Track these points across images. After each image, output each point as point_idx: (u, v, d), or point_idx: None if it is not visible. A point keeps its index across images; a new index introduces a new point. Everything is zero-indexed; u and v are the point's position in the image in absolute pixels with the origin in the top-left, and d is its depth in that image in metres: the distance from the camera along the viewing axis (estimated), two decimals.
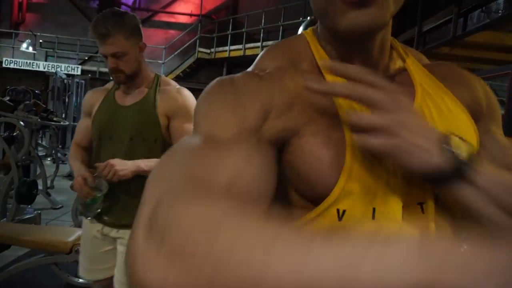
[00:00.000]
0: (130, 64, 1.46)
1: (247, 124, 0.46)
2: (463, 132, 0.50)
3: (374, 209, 0.47)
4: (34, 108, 4.09)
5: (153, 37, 13.07)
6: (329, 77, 0.51)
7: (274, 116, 0.47)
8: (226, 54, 11.81)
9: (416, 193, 0.49)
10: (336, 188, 0.46)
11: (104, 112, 1.54)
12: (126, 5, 13.05)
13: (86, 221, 1.58)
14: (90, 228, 1.56)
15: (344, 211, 0.46)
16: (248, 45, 11.25)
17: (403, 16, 5.38)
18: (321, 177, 0.47)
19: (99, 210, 1.49)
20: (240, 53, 11.46)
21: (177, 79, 12.26)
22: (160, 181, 0.38)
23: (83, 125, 1.63)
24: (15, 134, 3.69)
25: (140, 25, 1.52)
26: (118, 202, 1.51)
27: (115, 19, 1.42)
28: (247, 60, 11.54)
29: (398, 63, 0.57)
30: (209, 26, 12.66)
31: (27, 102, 4.40)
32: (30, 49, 12.71)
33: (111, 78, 1.53)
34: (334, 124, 0.48)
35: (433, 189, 0.48)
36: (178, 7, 13.43)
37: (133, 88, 1.53)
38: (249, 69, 0.54)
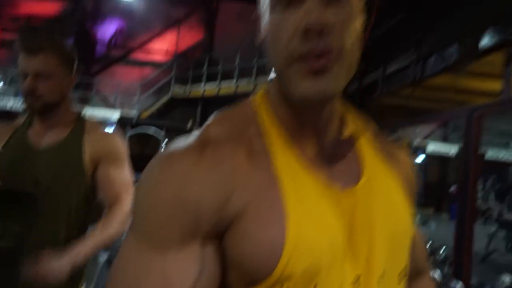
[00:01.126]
0: (52, 90, 1.21)
1: (188, 227, 0.44)
2: (401, 221, 0.54)
3: (315, 286, 0.46)
4: None
5: (128, 75, 13.18)
6: (273, 144, 0.51)
7: (215, 208, 0.45)
8: (200, 93, 12.00)
9: (358, 268, 0.49)
10: (276, 271, 0.44)
11: (10, 154, 1.24)
12: (101, 42, 13.20)
13: None
14: None
15: None
16: (223, 84, 11.50)
17: (369, 60, 5.74)
18: (261, 262, 0.44)
19: None
20: (215, 91, 11.68)
21: (152, 117, 12.29)
22: None
23: None
24: None
25: (76, 59, 1.30)
26: None
27: (52, 37, 1.23)
28: (221, 99, 11.78)
29: (348, 131, 0.58)
30: (184, 65, 12.91)
31: None
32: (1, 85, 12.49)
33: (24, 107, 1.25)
34: (275, 199, 0.47)
35: (377, 264, 0.50)
36: (154, 46, 13.68)
37: (52, 126, 1.27)
38: (194, 138, 0.50)
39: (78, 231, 1.26)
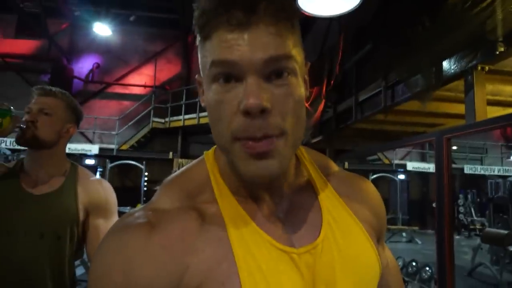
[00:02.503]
0: (48, 128, 1.26)
1: None
2: (365, 269, 0.53)
3: None
4: None
5: (106, 108, 13.14)
6: (226, 212, 0.51)
7: None
8: (180, 123, 12.05)
9: None
10: None
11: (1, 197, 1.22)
12: (78, 78, 13.18)
13: None
14: None
15: None
16: (202, 114, 11.60)
17: (342, 88, 5.96)
18: None
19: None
20: (195, 121, 11.76)
21: (132, 149, 12.23)
22: None
23: None
24: None
25: (81, 116, 1.41)
26: None
27: (65, 92, 1.34)
28: (201, 128, 11.83)
29: (304, 179, 0.58)
30: (163, 97, 12.98)
31: None
32: None
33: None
34: (229, 273, 0.46)
35: None
36: (131, 79, 13.73)
37: (46, 175, 1.28)
38: (144, 213, 0.49)
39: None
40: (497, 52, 3.01)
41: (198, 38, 0.50)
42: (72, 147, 10.49)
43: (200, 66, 0.52)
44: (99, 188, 1.34)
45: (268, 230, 0.51)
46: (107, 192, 1.36)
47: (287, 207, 0.55)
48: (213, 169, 0.55)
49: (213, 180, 0.54)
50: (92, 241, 1.29)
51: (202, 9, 0.47)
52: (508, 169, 13.75)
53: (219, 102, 0.46)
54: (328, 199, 0.57)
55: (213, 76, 0.47)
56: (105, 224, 1.30)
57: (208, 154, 0.58)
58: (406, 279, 5.01)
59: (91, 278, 0.46)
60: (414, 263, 5.20)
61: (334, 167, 0.65)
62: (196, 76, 0.55)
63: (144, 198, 11.03)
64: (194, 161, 0.58)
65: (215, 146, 0.58)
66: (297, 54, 0.49)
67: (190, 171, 0.56)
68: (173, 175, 0.57)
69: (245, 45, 0.44)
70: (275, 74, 0.46)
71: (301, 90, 0.49)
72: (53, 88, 1.32)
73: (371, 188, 0.65)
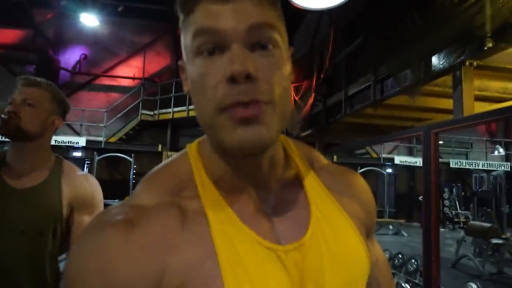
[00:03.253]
0: (33, 118, 1.21)
1: None
2: (354, 265, 0.52)
3: None
4: None
5: (94, 101, 12.96)
6: (209, 208, 0.49)
7: None
8: (170, 116, 11.96)
9: None
10: None
11: None
12: (65, 69, 12.95)
13: None
14: None
15: None
16: (191, 107, 11.53)
17: (332, 82, 5.97)
18: None
19: None
20: (184, 114, 11.68)
21: (121, 141, 12.11)
22: None
23: None
24: None
25: (67, 108, 1.36)
26: None
27: (50, 83, 1.30)
28: (191, 121, 11.75)
29: (293, 173, 0.57)
30: (152, 89, 12.85)
31: None
32: None
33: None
34: (212, 273, 0.44)
35: None
36: (120, 71, 13.56)
37: (30, 168, 1.23)
38: (123, 209, 0.47)
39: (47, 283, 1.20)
40: (486, 48, 3.04)
41: (181, 17, 0.49)
42: (59, 139, 10.34)
43: (182, 48, 0.50)
44: (85, 184, 1.31)
45: (253, 227, 0.49)
46: (93, 188, 1.32)
47: (274, 203, 0.53)
48: (196, 162, 0.53)
49: (196, 174, 0.51)
50: (77, 237, 1.25)
51: None
52: (492, 164, 14.01)
53: (203, 75, 0.45)
54: (317, 194, 0.55)
55: (196, 49, 0.46)
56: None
57: (191, 147, 0.56)
58: (393, 271, 5.09)
59: (66, 279, 0.44)
60: (400, 256, 5.28)
61: (323, 160, 0.63)
62: (179, 61, 0.53)
63: (133, 191, 10.92)
64: (176, 155, 0.56)
65: (198, 139, 0.56)
66: (281, 27, 0.48)
67: (172, 165, 0.54)
68: (154, 169, 0.54)
69: (228, 14, 0.44)
70: (260, 46, 0.45)
71: (287, 65, 0.49)
72: (38, 79, 1.27)
73: (361, 182, 0.63)
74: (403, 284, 4.58)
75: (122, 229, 0.44)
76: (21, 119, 1.19)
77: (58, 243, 1.23)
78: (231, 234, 0.47)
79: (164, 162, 0.56)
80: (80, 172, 1.34)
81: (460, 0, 3.33)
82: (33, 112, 1.22)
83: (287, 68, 0.49)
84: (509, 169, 13.89)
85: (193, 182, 0.51)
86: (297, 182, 0.56)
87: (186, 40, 0.49)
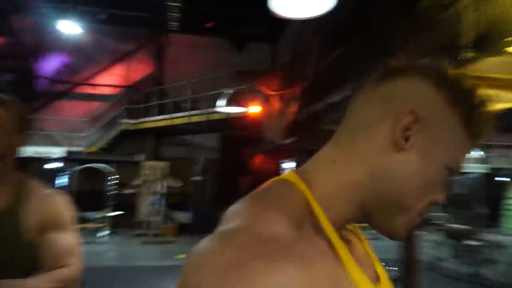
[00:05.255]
0: None
1: None
2: None
3: None
4: None
5: (74, 110, 12.69)
6: (339, 247, 0.47)
7: None
8: (153, 124, 11.81)
9: None
10: None
11: None
12: (45, 77, 12.66)
13: None
14: None
15: None
16: (175, 115, 11.42)
17: (315, 90, 5.99)
18: None
19: None
20: (168, 122, 11.56)
21: (102, 150, 11.86)
22: None
23: None
24: None
25: (32, 126, 1.33)
26: None
27: (17, 100, 1.24)
28: (175, 129, 11.63)
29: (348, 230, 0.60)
30: (135, 97, 12.69)
31: None
32: None
33: None
34: None
35: None
36: (101, 79, 13.33)
37: None
38: (243, 232, 0.41)
39: None
40: (466, 58, 3.08)
41: (460, 121, 0.51)
42: (38, 150, 10.08)
43: (438, 130, 0.51)
44: (52, 203, 1.26)
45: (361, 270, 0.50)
46: (60, 206, 1.28)
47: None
48: (310, 197, 0.48)
49: (316, 210, 0.47)
50: (47, 256, 1.21)
51: (486, 120, 0.53)
52: (468, 166, 14.27)
53: (432, 182, 0.51)
54: (368, 248, 0.62)
55: (443, 175, 0.51)
56: (60, 238, 1.23)
57: (295, 178, 0.50)
58: None
59: None
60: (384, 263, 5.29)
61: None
62: (410, 111, 0.50)
63: (112, 202, 10.63)
64: (274, 183, 0.51)
65: (292, 170, 0.53)
66: None
67: (285, 194, 0.48)
68: (258, 194, 0.49)
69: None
70: None
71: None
72: (2, 96, 1.21)
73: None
74: None
75: (281, 264, 0.38)
76: None
77: (26, 268, 1.17)
78: (358, 275, 0.48)
79: (261, 189, 0.51)
80: (46, 191, 1.29)
81: (440, 10, 3.38)
82: None
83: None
84: (489, 171, 14.16)
85: (313, 216, 0.47)
86: (358, 237, 0.63)
87: (448, 138, 0.51)
